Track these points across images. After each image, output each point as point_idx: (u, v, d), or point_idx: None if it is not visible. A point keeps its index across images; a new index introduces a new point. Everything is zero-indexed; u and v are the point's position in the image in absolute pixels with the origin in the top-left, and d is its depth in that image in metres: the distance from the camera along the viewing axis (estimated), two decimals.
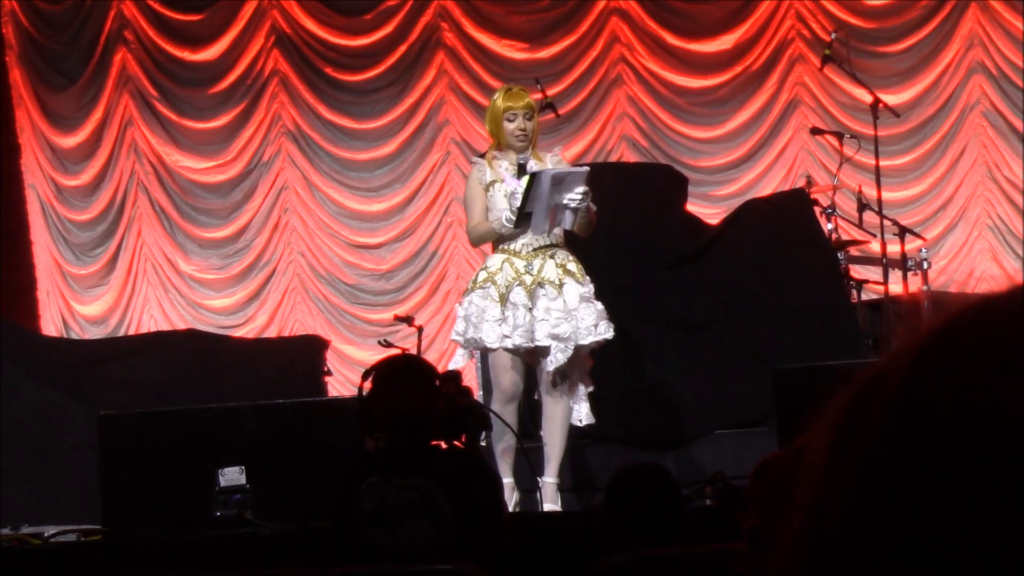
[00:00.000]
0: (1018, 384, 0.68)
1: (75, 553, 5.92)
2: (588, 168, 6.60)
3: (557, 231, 6.54)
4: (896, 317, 8.40)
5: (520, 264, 6.49)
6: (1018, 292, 0.73)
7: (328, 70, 11.11)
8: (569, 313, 6.46)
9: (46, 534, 6.39)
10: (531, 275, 6.47)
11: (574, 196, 6.35)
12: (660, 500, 4.24)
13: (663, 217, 8.18)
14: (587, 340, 6.49)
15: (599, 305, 6.55)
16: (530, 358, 6.54)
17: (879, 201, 8.67)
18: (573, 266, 6.58)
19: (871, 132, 8.87)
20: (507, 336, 6.42)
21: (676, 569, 3.66)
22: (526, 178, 6.44)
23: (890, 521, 0.69)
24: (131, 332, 10.77)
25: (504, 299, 6.44)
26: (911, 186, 10.78)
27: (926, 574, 0.68)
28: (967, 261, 10.72)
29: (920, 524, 0.68)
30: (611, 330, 6.55)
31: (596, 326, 6.50)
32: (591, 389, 6.62)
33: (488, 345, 6.46)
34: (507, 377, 6.45)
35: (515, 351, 6.44)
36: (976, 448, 0.68)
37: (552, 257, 6.54)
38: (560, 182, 6.35)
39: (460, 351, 6.65)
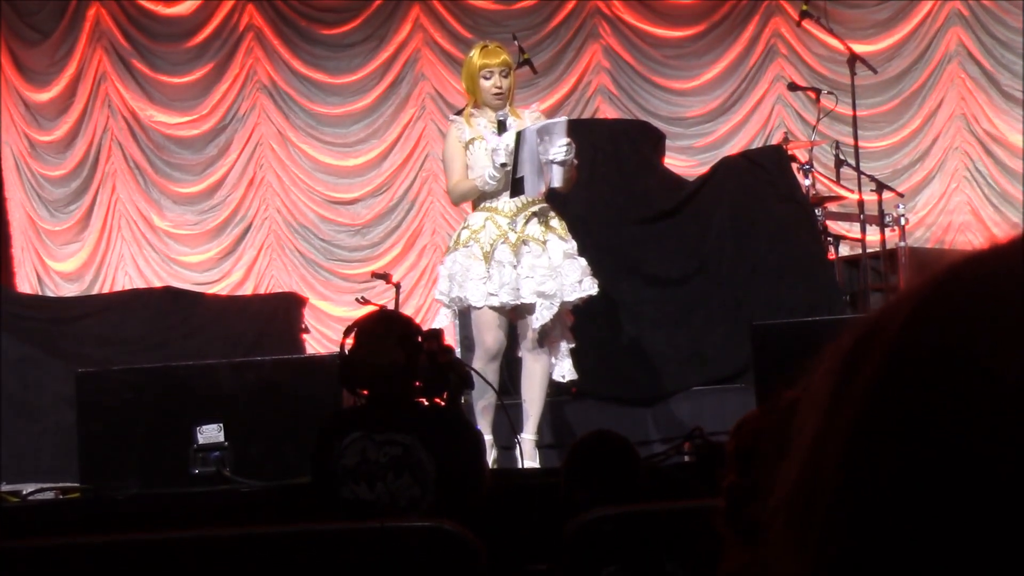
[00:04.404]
0: (1017, 333, 0.68)
1: (53, 511, 5.90)
2: (567, 119, 6.56)
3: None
4: (874, 273, 8.41)
5: (504, 221, 6.46)
6: (1018, 243, 0.72)
7: (303, 24, 11.05)
8: (554, 270, 6.44)
9: (24, 492, 6.37)
10: (515, 232, 6.45)
11: (558, 149, 6.31)
12: (616, 468, 4.24)
13: (640, 173, 8.16)
14: (572, 296, 6.48)
15: (583, 261, 6.54)
16: (512, 316, 6.53)
17: (855, 150, 8.66)
18: (556, 223, 6.56)
19: (848, 81, 8.86)
20: (493, 294, 6.39)
21: (656, 524, 3.67)
22: (508, 135, 6.41)
23: (887, 468, 0.69)
24: (106, 288, 10.74)
25: (488, 257, 6.41)
26: (888, 137, 10.79)
27: (922, 521, 0.67)
28: (945, 214, 10.75)
29: (917, 471, 0.68)
30: (595, 286, 6.54)
31: (581, 282, 6.49)
32: (572, 345, 6.62)
33: (473, 304, 6.43)
34: (491, 335, 6.43)
35: (500, 309, 6.43)
36: (975, 396, 0.67)
37: (535, 214, 6.52)
38: (544, 136, 6.32)
39: (444, 310, 6.63)
